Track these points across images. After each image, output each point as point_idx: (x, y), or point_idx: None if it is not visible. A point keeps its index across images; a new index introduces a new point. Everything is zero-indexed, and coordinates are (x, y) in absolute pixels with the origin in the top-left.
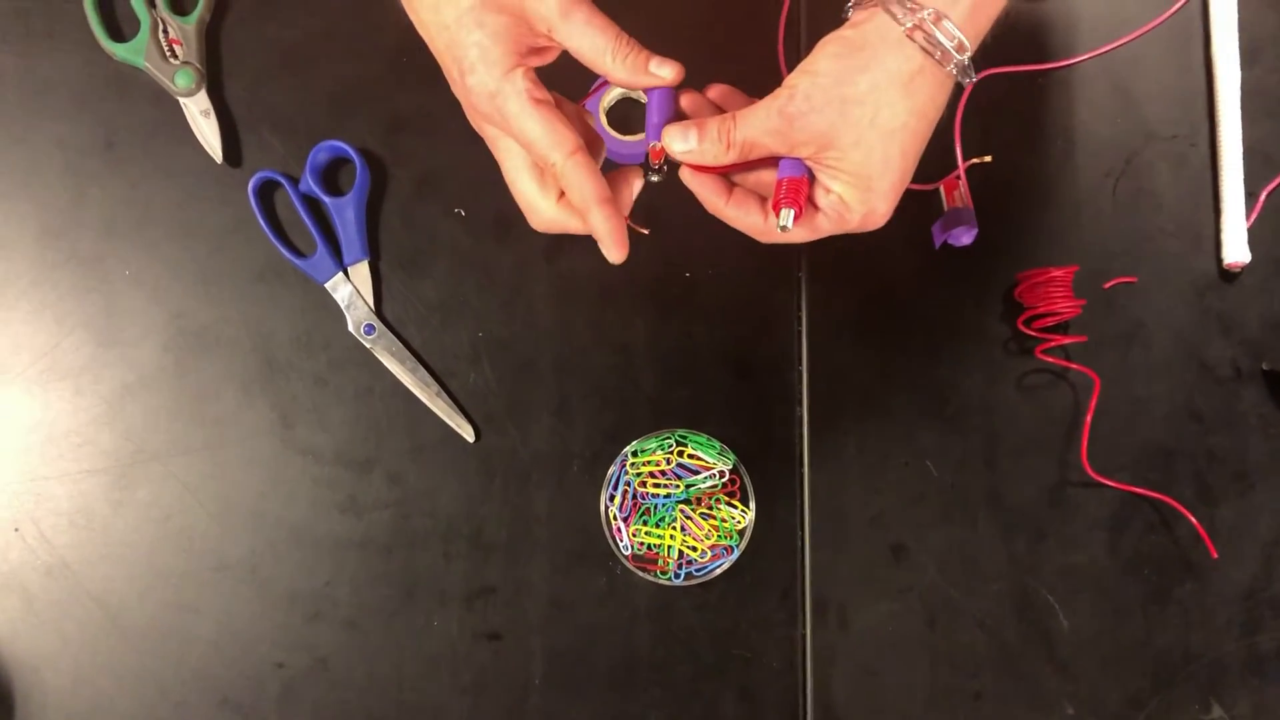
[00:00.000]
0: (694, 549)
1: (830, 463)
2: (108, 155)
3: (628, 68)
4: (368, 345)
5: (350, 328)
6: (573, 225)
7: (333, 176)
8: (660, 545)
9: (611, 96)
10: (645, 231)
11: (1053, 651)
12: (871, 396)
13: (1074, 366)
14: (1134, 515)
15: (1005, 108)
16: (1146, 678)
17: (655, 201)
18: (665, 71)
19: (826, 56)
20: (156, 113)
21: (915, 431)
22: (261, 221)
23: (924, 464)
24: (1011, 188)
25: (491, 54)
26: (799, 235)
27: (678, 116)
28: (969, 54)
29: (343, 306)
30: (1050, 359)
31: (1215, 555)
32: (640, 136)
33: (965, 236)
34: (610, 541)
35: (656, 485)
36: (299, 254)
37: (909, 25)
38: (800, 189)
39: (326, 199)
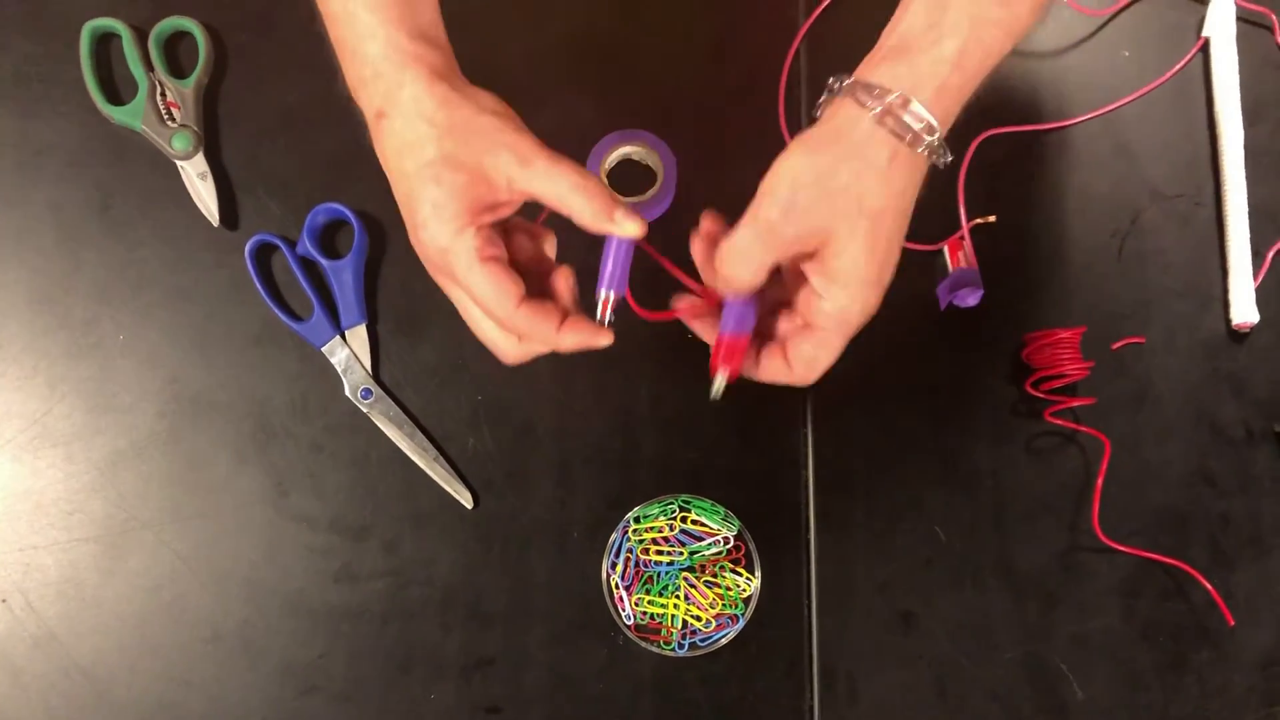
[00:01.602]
0: (698, 618)
1: (837, 528)
2: (103, 218)
3: (593, 211)
4: (365, 410)
5: (347, 392)
6: (545, 351)
7: (330, 239)
8: (663, 615)
9: (613, 158)
10: (609, 340)
11: None
12: (878, 460)
13: (1083, 429)
14: (1148, 581)
15: (1008, 168)
16: None
17: (658, 271)
18: (629, 227)
19: (802, 154)
20: (153, 176)
21: (923, 496)
22: (258, 285)
23: (932, 529)
24: (1016, 248)
25: (445, 211)
26: (824, 361)
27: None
28: (939, 135)
29: (339, 370)
30: (1059, 421)
31: (1232, 622)
32: (641, 197)
33: (970, 298)
34: (612, 610)
35: (659, 552)
36: (295, 318)
37: (877, 111)
38: (739, 348)
39: (324, 262)
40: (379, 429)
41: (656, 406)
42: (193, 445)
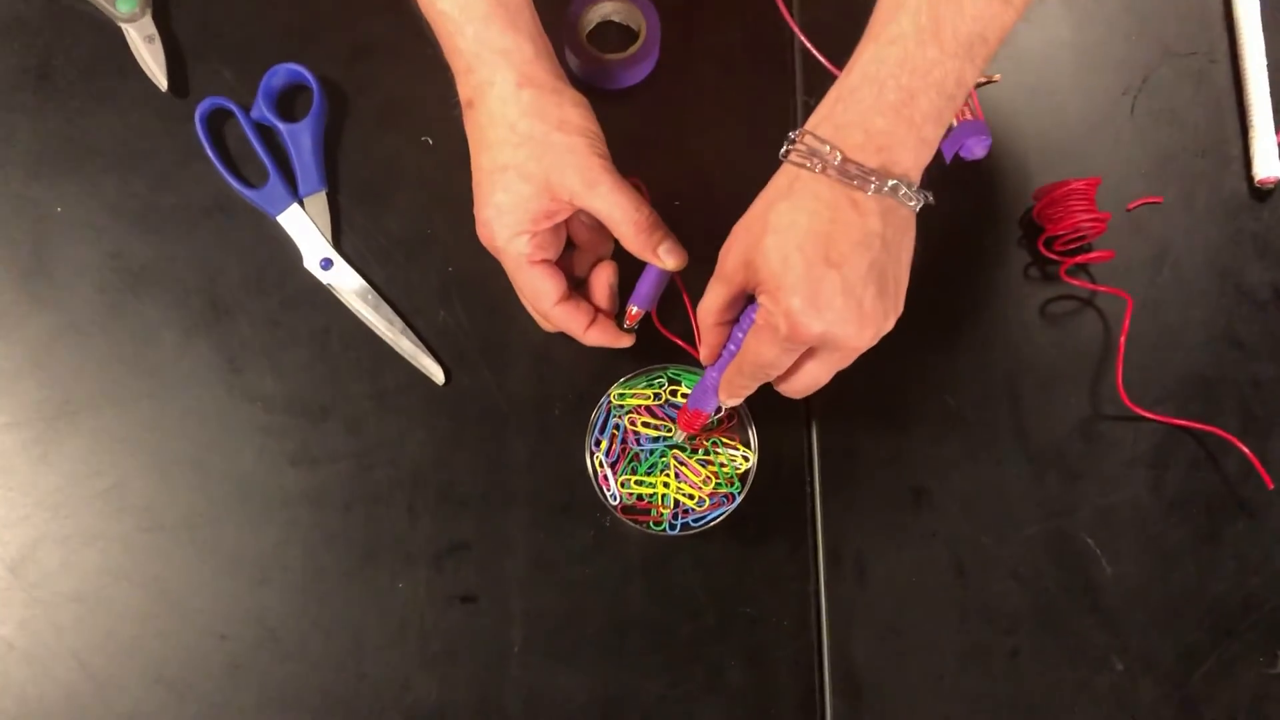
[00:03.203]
0: (690, 497)
1: (838, 398)
2: (41, 87)
3: (640, 244)
4: (325, 282)
5: (305, 263)
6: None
7: (288, 103)
8: (653, 495)
9: (594, 17)
10: (629, 343)
11: (1097, 602)
12: None
13: (1102, 289)
14: (1177, 449)
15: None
16: (1202, 629)
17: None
18: (670, 261)
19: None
20: (96, 40)
21: (931, 363)
22: (209, 151)
23: (942, 399)
24: (1024, 107)
25: (507, 216)
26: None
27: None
28: (853, 160)
29: (296, 240)
30: (1075, 281)
31: (1271, 485)
32: (622, 54)
33: (978, 148)
34: (597, 490)
35: (646, 425)
36: (250, 185)
37: (790, 149)
38: (698, 420)
39: (281, 125)
40: (340, 302)
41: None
42: (136, 322)
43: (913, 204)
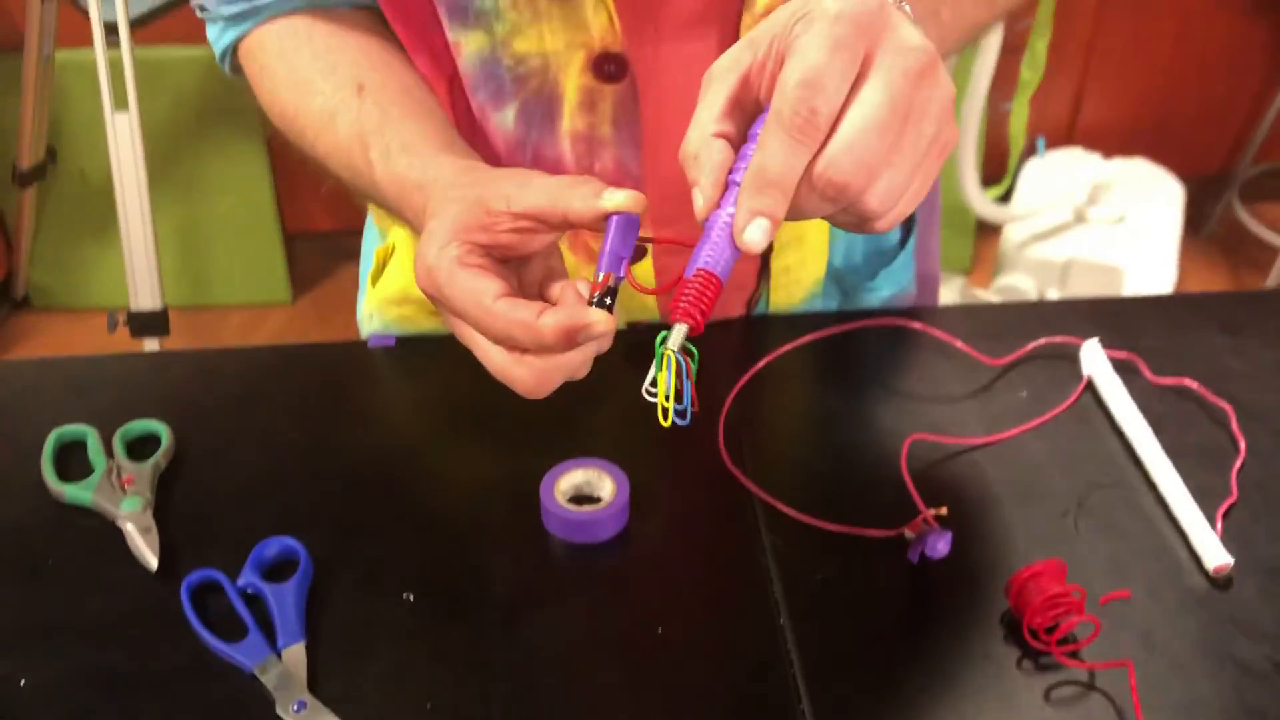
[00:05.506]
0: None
1: None
2: (30, 579)
3: (583, 196)
4: None
5: (278, 709)
6: (555, 371)
7: (276, 570)
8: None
9: (568, 482)
10: (600, 321)
11: None
12: None
13: (1100, 665)
14: None
15: (943, 469)
16: None
17: (621, 567)
18: (618, 197)
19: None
20: (92, 538)
21: None
22: (193, 620)
23: None
24: (969, 537)
25: (436, 236)
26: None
27: (634, 248)
28: None
29: (271, 689)
30: (1073, 663)
31: None
32: (593, 507)
33: (940, 543)
34: None
35: None
36: (229, 641)
37: None
38: (710, 290)
39: (266, 588)
40: None
41: (629, 709)
42: None
43: None
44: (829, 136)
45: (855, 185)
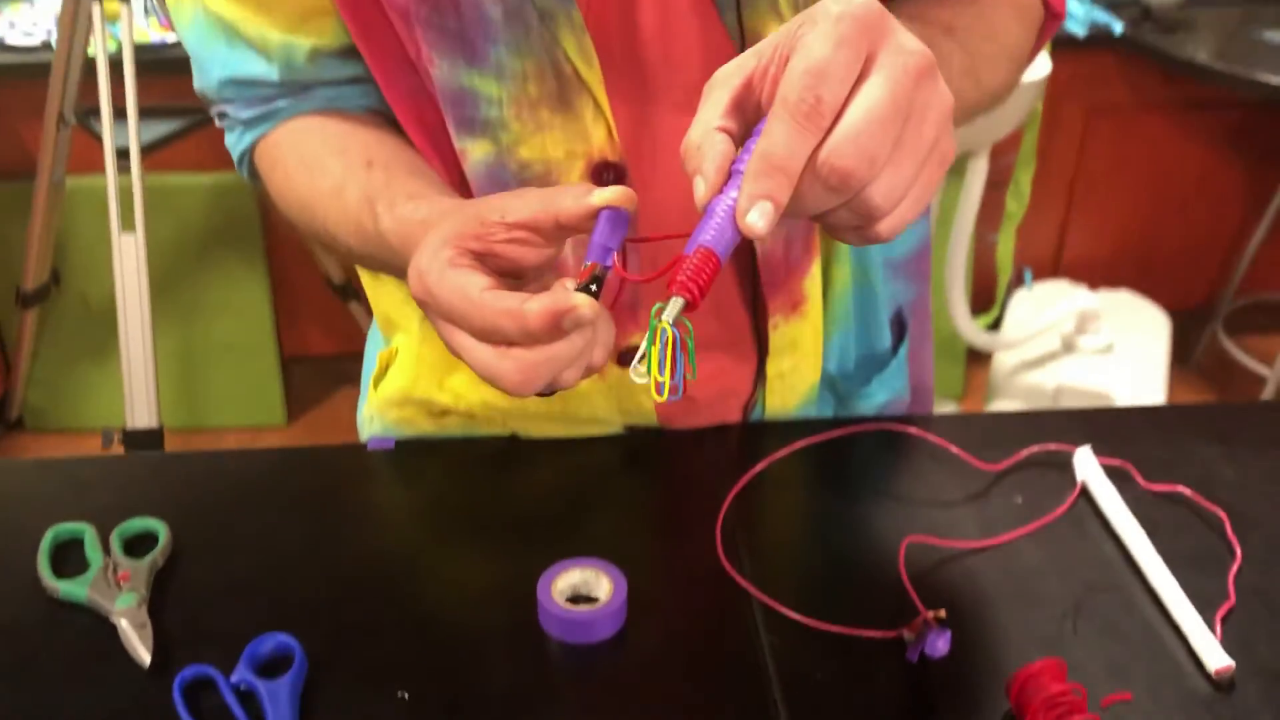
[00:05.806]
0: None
1: None
2: (21, 676)
3: (574, 195)
4: None
5: None
6: (541, 362)
7: (270, 666)
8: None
9: (566, 581)
10: (584, 305)
11: None
12: None
13: None
14: None
15: (940, 573)
16: None
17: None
18: (606, 193)
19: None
20: (85, 635)
21: None
22: (184, 716)
23: None
24: (968, 638)
25: (429, 247)
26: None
27: (621, 242)
28: None
29: None
30: None
31: None
32: (590, 607)
33: (940, 641)
34: None
35: None
36: None
37: None
38: (708, 268)
39: (261, 686)
40: None
41: None
42: None
43: None
44: (832, 127)
45: (859, 174)
